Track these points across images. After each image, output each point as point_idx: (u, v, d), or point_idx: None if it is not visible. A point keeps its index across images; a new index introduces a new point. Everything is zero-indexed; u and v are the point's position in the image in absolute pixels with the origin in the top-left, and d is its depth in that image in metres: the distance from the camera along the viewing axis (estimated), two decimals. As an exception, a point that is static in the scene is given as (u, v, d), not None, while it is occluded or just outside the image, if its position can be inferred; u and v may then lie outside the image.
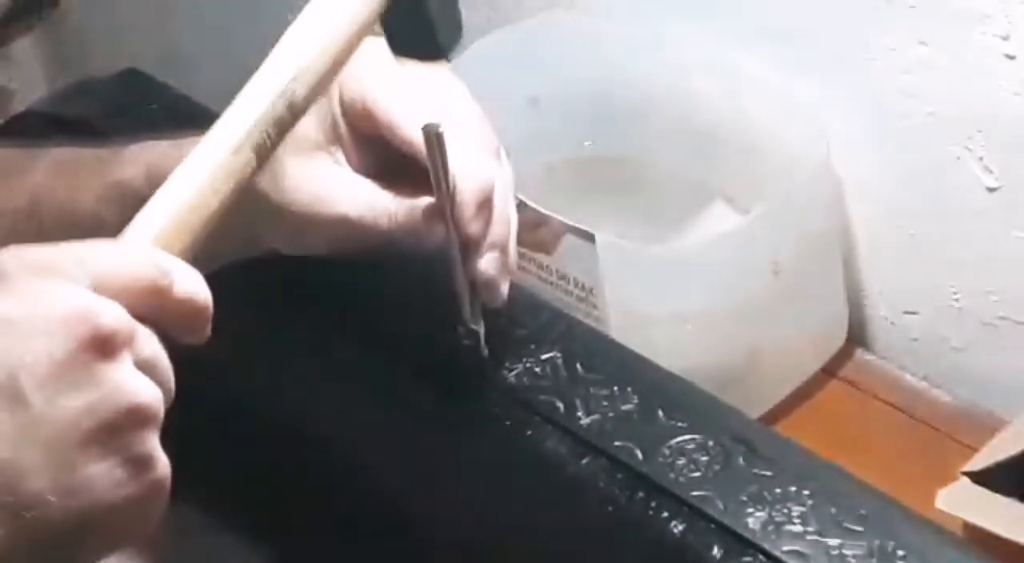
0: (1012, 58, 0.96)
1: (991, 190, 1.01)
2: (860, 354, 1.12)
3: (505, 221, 0.78)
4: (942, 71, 0.99)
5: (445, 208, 0.76)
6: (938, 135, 1.02)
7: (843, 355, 1.11)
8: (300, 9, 1.41)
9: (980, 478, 0.89)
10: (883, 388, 1.10)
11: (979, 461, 0.90)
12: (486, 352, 0.80)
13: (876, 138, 1.05)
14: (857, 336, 1.13)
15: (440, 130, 0.74)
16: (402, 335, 0.85)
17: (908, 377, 1.11)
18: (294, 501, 0.91)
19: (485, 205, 0.76)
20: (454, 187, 0.75)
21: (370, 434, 0.88)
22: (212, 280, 0.61)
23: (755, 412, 1.05)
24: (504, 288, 0.79)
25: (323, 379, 0.88)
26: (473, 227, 0.76)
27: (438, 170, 0.75)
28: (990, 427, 1.01)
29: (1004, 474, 0.89)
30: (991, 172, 1.00)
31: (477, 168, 0.76)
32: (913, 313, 1.11)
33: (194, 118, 0.98)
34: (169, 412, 0.59)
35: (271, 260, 0.81)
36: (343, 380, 0.87)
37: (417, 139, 0.75)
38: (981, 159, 1.00)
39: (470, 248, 0.77)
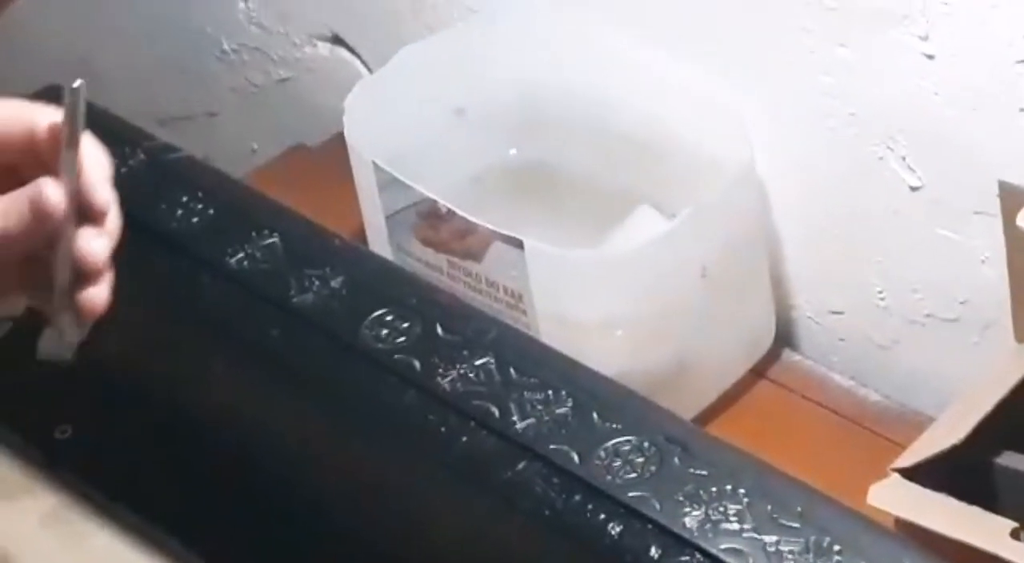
0: (931, 58, 0.97)
1: (914, 189, 1.02)
2: (787, 354, 1.13)
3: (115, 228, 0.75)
4: (862, 72, 1.00)
5: (73, 176, 0.72)
6: (860, 135, 1.03)
7: (771, 356, 1.12)
8: (221, 22, 1.41)
9: (910, 474, 0.90)
10: (811, 388, 1.11)
11: (909, 457, 0.91)
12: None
13: (798, 140, 1.06)
14: (784, 337, 1.13)
15: (80, 84, 0.72)
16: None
17: (836, 376, 1.12)
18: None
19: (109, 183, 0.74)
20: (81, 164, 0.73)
21: (301, 441, 0.88)
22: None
23: (686, 414, 1.05)
24: (103, 293, 0.75)
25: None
26: (101, 194, 0.73)
27: (75, 129, 0.72)
28: (918, 424, 1.02)
29: (933, 469, 0.90)
30: (914, 171, 1.01)
31: (100, 151, 0.75)
32: (839, 313, 1.11)
33: (114, 132, 0.98)
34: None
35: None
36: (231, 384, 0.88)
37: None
38: (904, 158, 1.01)
39: (94, 221, 0.73)
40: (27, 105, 0.75)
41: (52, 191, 0.72)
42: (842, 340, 1.12)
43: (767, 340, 1.11)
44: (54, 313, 0.75)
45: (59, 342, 0.75)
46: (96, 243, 0.74)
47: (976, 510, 0.87)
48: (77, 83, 0.72)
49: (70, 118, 0.73)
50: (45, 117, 0.74)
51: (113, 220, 0.75)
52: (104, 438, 0.98)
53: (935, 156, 1.00)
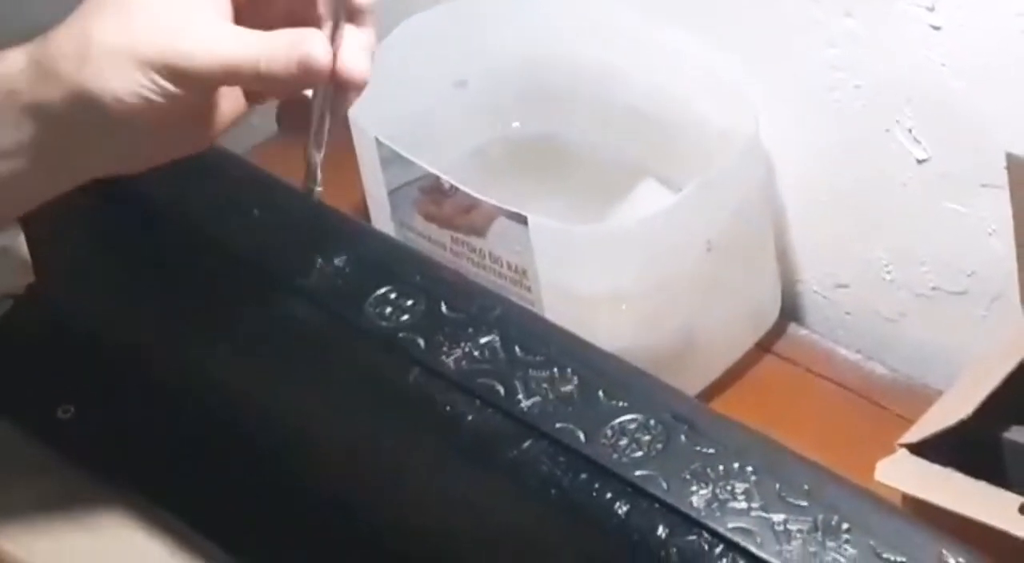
0: (938, 29, 0.96)
1: (921, 161, 1.01)
2: (793, 329, 1.13)
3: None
4: (868, 43, 1.00)
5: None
6: (866, 108, 1.02)
7: (777, 330, 1.11)
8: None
9: (918, 449, 0.89)
10: (817, 362, 1.10)
11: (916, 432, 0.90)
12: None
13: (804, 112, 1.05)
14: (790, 311, 1.13)
15: None
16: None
17: (842, 350, 1.11)
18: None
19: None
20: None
21: (306, 421, 0.88)
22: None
23: (691, 389, 1.05)
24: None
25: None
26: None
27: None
28: (925, 398, 1.01)
29: (941, 444, 0.89)
30: (920, 144, 1.01)
31: None
32: (845, 286, 1.11)
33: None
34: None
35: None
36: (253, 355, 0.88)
37: None
38: (910, 131, 1.01)
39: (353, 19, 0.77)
40: None
41: (320, 50, 0.76)
42: (848, 314, 1.11)
43: (773, 314, 1.11)
44: (307, 153, 0.80)
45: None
46: (361, 62, 0.78)
47: (984, 485, 0.86)
48: None
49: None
50: None
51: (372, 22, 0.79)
52: (107, 418, 0.98)
53: (942, 128, 0.99)
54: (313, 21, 0.79)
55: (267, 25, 0.77)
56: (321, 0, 0.79)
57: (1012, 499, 0.84)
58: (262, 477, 0.91)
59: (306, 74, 0.76)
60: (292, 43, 0.76)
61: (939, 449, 0.89)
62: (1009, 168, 0.92)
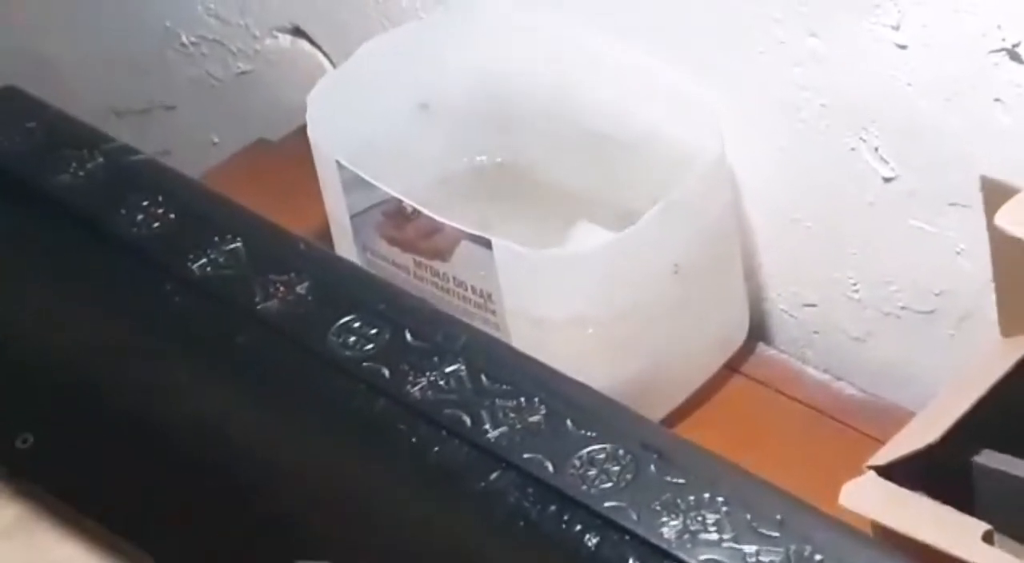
0: (904, 47, 0.95)
1: (887, 180, 1.01)
2: (761, 349, 1.12)
3: None
4: (834, 63, 0.99)
5: None
6: (832, 127, 1.01)
7: (745, 350, 1.11)
8: (180, 14, 1.39)
9: (886, 471, 0.89)
10: (786, 382, 1.10)
11: (884, 455, 0.90)
12: None
13: (770, 132, 1.05)
14: (758, 331, 1.12)
15: None
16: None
17: (810, 370, 1.11)
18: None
19: None
20: None
21: (268, 451, 0.87)
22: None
23: (660, 411, 1.04)
24: None
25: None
26: None
27: None
28: (895, 418, 1.01)
29: (910, 467, 0.89)
30: (886, 162, 1.00)
31: None
32: (813, 306, 1.10)
33: (72, 134, 0.96)
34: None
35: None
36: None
37: None
38: (876, 149, 1.00)
39: None
40: None
41: None
42: (816, 333, 1.11)
43: (741, 334, 1.10)
44: None
45: None
46: None
47: (950, 511, 0.86)
48: None
49: None
50: None
51: None
52: (66, 447, 0.96)
53: (909, 147, 0.99)
54: None
55: None
56: None
57: (977, 526, 0.84)
58: (222, 507, 0.90)
59: None
60: None
61: (908, 471, 0.89)
62: (984, 191, 0.91)
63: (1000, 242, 0.90)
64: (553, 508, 0.75)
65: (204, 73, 1.41)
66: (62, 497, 0.95)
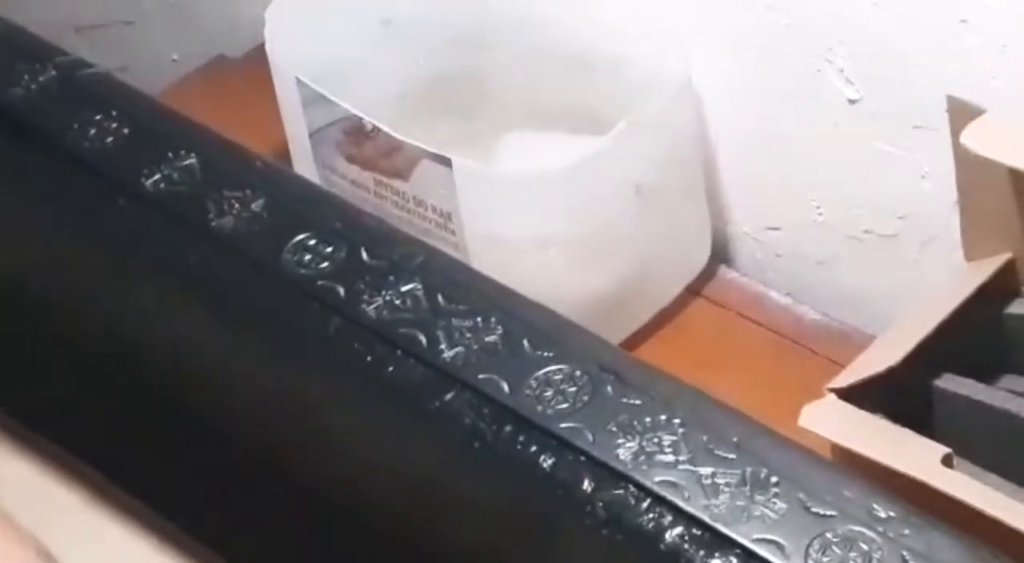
0: (870, -33, 0.94)
1: (852, 102, 1.00)
2: (723, 271, 1.11)
3: None
4: (800, -18, 0.98)
5: None
6: (797, 47, 1.00)
7: (707, 273, 1.10)
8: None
9: (846, 394, 0.88)
10: (747, 305, 1.09)
11: (845, 378, 0.89)
12: None
13: (734, 53, 1.04)
14: (720, 254, 1.12)
15: None
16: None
17: (772, 293, 1.10)
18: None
19: None
20: None
21: (223, 370, 0.86)
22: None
23: (621, 333, 1.04)
24: None
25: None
26: None
27: None
28: (856, 342, 1.01)
29: (870, 390, 0.88)
30: (852, 84, 0.99)
31: None
32: (776, 229, 1.10)
33: (23, 47, 0.95)
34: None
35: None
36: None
37: None
38: (842, 71, 0.99)
39: None
40: None
41: None
42: (779, 256, 1.10)
43: (703, 257, 1.09)
44: None
45: None
46: None
47: (909, 434, 0.85)
48: None
49: None
50: None
51: None
52: (17, 366, 0.95)
53: (874, 68, 0.98)
54: None
55: None
56: None
57: (936, 450, 0.84)
58: (177, 425, 0.89)
59: None
60: None
61: (868, 395, 0.88)
62: (950, 111, 0.90)
63: (965, 163, 0.90)
64: (508, 429, 0.74)
65: (164, -12, 1.39)
66: (16, 415, 0.94)
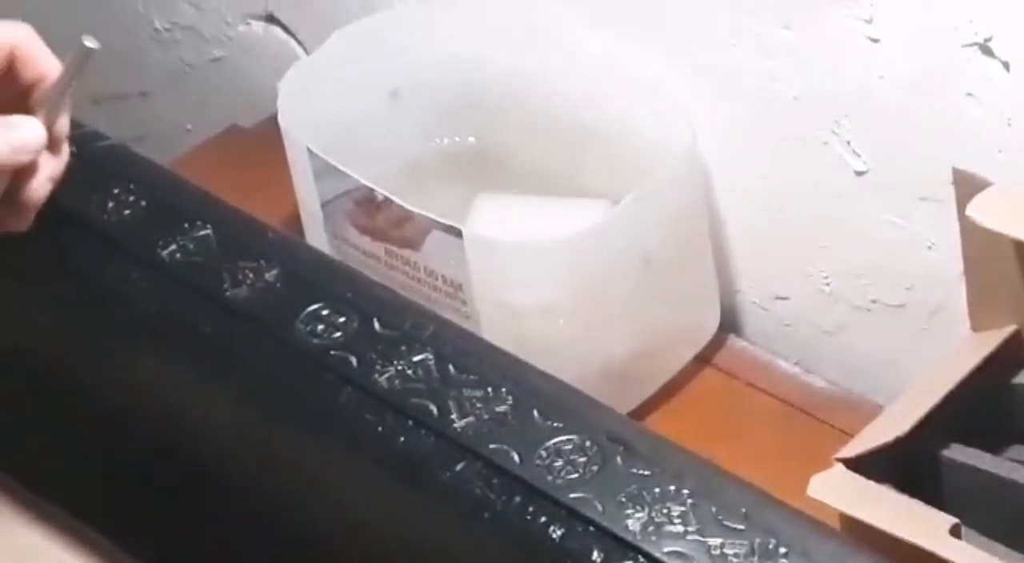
0: (876, 41, 0.95)
1: (859, 173, 1.01)
2: (732, 341, 1.12)
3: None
4: (806, 55, 0.99)
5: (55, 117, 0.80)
6: (805, 119, 1.01)
7: (716, 342, 1.10)
8: (148, 4, 1.38)
9: (854, 464, 0.89)
10: (756, 374, 1.10)
11: (853, 447, 0.90)
12: None
13: (742, 124, 1.05)
14: (729, 323, 1.12)
15: (95, 47, 0.80)
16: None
17: (781, 363, 1.11)
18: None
19: None
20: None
21: (234, 438, 0.87)
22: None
23: (630, 403, 1.04)
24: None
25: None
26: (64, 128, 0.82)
27: (71, 79, 0.81)
28: (865, 412, 1.01)
29: (879, 460, 0.89)
30: (859, 156, 1.00)
31: None
32: (784, 298, 1.10)
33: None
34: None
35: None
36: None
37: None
38: (849, 143, 1.00)
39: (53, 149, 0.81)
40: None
41: (36, 133, 0.79)
42: (788, 326, 1.11)
43: (712, 326, 1.10)
44: None
45: None
46: (42, 190, 0.82)
47: (917, 504, 0.86)
48: (94, 45, 0.80)
49: (74, 69, 0.80)
50: (32, 45, 0.81)
51: (66, 151, 0.83)
52: (31, 434, 0.96)
53: (881, 141, 0.99)
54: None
55: None
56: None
57: (944, 520, 0.84)
58: (187, 495, 0.89)
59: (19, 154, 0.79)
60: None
61: (877, 465, 0.89)
62: (955, 183, 0.91)
63: (971, 235, 0.91)
64: (518, 499, 0.75)
65: (177, 59, 1.41)
66: (23, 481, 0.94)
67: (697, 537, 0.72)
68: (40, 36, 0.83)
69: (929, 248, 1.00)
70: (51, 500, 0.93)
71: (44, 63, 0.82)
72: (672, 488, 0.74)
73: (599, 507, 0.73)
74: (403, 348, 0.81)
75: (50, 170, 0.82)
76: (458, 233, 0.98)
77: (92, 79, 1.46)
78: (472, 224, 1.05)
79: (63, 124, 0.82)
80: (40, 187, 0.81)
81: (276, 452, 0.84)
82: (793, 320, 1.10)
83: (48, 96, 0.81)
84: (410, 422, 0.78)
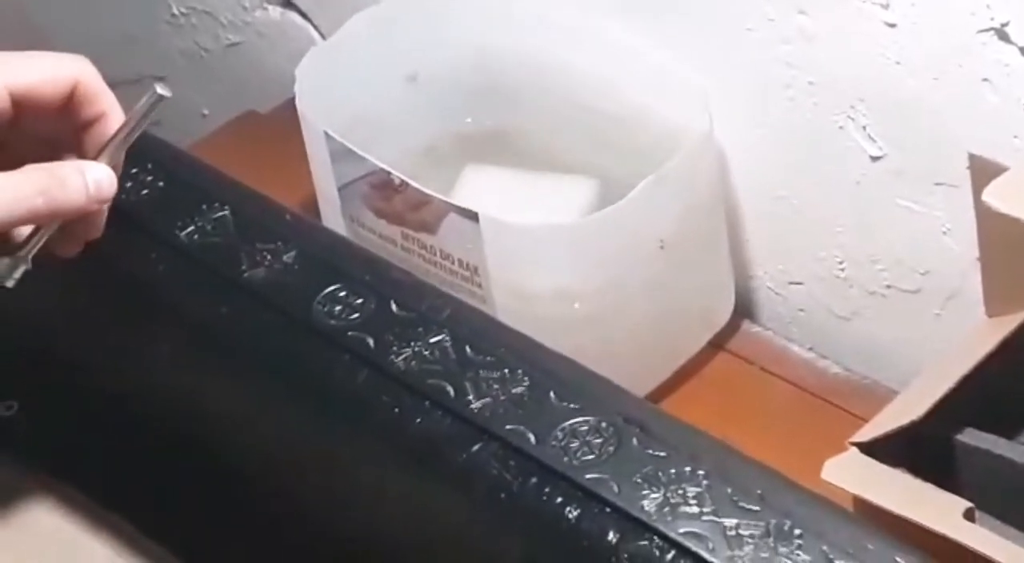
0: (893, 26, 0.95)
1: (875, 159, 1.01)
2: (747, 326, 1.12)
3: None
4: (823, 40, 0.99)
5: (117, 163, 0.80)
6: (820, 105, 1.01)
7: (730, 328, 1.11)
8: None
9: (869, 448, 0.89)
10: (770, 360, 1.10)
11: (867, 432, 0.90)
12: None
13: (758, 109, 1.05)
14: (743, 308, 1.12)
15: (166, 95, 0.79)
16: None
17: (795, 348, 1.11)
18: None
19: None
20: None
21: (252, 420, 0.87)
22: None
23: (645, 388, 1.04)
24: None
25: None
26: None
27: (138, 127, 0.80)
28: (879, 397, 1.01)
29: (893, 444, 0.89)
30: (874, 141, 1.00)
31: None
32: (799, 284, 1.10)
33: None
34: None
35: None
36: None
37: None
38: (864, 128, 1.00)
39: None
40: (64, 63, 0.81)
41: (111, 183, 0.79)
42: (802, 311, 1.11)
43: (726, 311, 1.10)
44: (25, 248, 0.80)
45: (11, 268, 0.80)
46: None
47: (931, 488, 0.86)
48: (167, 93, 0.79)
49: (144, 115, 0.79)
50: (95, 83, 0.80)
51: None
52: (51, 415, 0.96)
53: (896, 126, 0.99)
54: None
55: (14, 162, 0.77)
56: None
57: (958, 503, 0.84)
58: (206, 477, 0.90)
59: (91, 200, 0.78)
60: (65, 168, 0.78)
61: (891, 449, 0.89)
62: (971, 168, 0.91)
63: (987, 220, 0.91)
64: (534, 480, 0.75)
65: (194, 44, 1.41)
66: (44, 465, 0.94)
67: (712, 518, 0.72)
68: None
69: (945, 233, 1.00)
70: (72, 483, 0.93)
71: (105, 102, 0.81)
72: (688, 469, 0.74)
73: (615, 488, 0.74)
74: (420, 329, 0.81)
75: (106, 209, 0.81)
76: (474, 216, 0.98)
77: (107, 63, 1.47)
78: (456, 195, 1.06)
79: (119, 166, 0.81)
80: (96, 224, 0.81)
81: (292, 432, 0.85)
82: (808, 305, 1.10)
83: (115, 141, 0.80)
84: (427, 403, 0.78)
